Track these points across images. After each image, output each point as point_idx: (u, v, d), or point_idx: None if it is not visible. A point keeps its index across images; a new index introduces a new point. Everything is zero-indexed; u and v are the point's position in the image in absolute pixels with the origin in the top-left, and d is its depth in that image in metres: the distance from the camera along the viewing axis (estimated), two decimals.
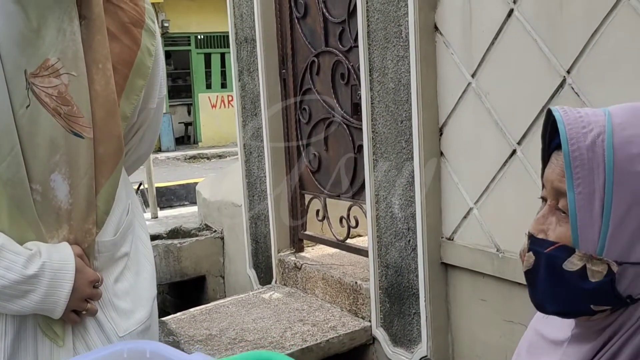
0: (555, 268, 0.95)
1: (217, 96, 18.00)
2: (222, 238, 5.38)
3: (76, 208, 1.31)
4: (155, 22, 1.44)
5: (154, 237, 5.60)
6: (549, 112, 1.01)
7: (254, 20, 4.30)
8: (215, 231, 5.47)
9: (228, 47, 18.39)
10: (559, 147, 0.98)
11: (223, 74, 18.11)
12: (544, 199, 1.03)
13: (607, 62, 2.39)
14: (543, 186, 1.02)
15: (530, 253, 1.00)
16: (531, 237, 1.01)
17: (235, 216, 5.09)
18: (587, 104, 2.47)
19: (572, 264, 0.93)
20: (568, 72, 2.52)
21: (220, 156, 16.67)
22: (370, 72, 3.34)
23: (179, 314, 4.05)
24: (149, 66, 1.41)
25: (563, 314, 1.01)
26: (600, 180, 0.90)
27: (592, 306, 0.94)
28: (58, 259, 1.28)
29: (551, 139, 1.02)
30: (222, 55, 17.88)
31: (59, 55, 1.22)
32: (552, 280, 0.96)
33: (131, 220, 1.51)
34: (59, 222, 1.31)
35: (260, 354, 0.81)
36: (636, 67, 2.30)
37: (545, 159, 1.03)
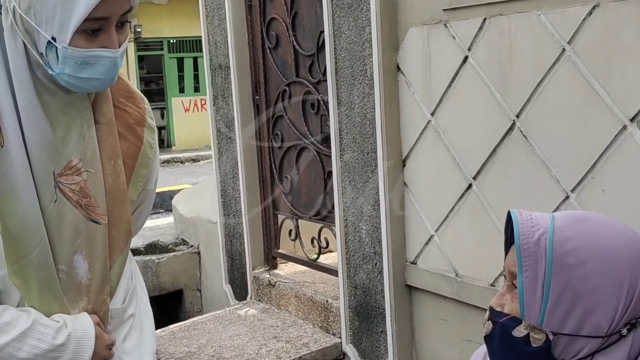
0: (507, 334, 1.24)
1: (190, 100, 18.12)
2: (199, 253, 5.58)
3: (94, 282, 1.54)
4: (153, 118, 1.69)
5: (132, 252, 5.77)
6: (509, 214, 1.30)
7: (227, 49, 4.50)
8: (191, 246, 5.66)
9: (200, 51, 18.41)
10: (511, 243, 1.29)
11: (196, 78, 18.23)
12: (505, 277, 1.32)
13: (551, 110, 2.63)
14: (504, 269, 1.32)
15: (489, 322, 1.29)
16: (491, 310, 1.30)
17: (211, 233, 5.29)
18: (534, 146, 2.71)
19: (519, 331, 1.21)
20: (517, 116, 2.77)
21: (194, 160, 16.81)
22: (338, 105, 3.56)
23: (158, 331, 4.24)
24: (150, 157, 1.65)
25: None
26: (542, 269, 1.18)
27: None
28: (81, 328, 1.51)
29: (510, 233, 1.31)
30: (195, 59, 18.00)
31: (79, 157, 1.45)
32: (505, 344, 1.25)
33: (134, 286, 1.75)
34: (80, 295, 1.53)
35: None
36: (576, 115, 2.55)
37: (507, 249, 1.34)
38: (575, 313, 1.17)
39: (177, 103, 18.02)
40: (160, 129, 18.61)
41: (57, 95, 1.41)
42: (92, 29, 1.33)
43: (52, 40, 1.32)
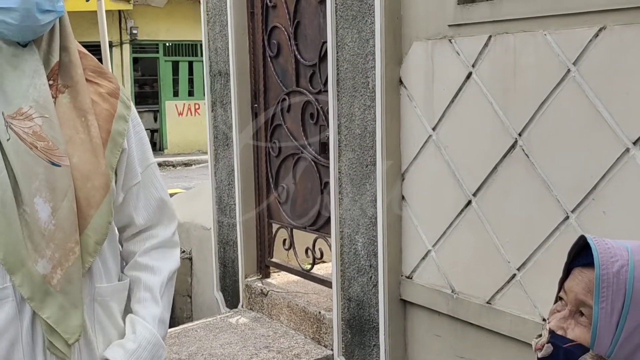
0: None
1: (184, 104, 18.08)
2: (191, 259, 5.55)
3: (59, 228, 1.56)
4: (132, 105, 1.76)
5: None
6: (581, 237, 1.27)
7: (228, 55, 4.49)
8: (183, 251, 5.63)
9: (196, 55, 18.42)
10: (582, 265, 1.25)
11: (190, 82, 18.20)
12: (561, 299, 1.30)
13: (554, 130, 2.63)
14: (562, 290, 1.30)
15: (550, 344, 1.26)
16: (552, 333, 1.27)
17: (204, 239, 5.27)
18: (535, 165, 2.71)
19: None
20: (520, 134, 2.77)
21: (186, 164, 16.76)
22: (338, 116, 3.56)
23: None
24: (125, 129, 1.70)
25: None
26: (619, 302, 1.17)
27: None
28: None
29: (575, 256, 1.29)
30: (190, 63, 17.98)
31: (30, 104, 1.54)
32: None
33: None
34: (45, 241, 1.55)
35: None
36: (579, 136, 2.55)
37: (566, 271, 1.30)
38: None
39: (170, 106, 17.98)
40: (152, 132, 18.58)
41: (2, 50, 1.52)
42: None
43: None
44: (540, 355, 1.28)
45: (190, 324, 4.49)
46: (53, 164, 1.53)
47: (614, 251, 1.21)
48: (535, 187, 2.73)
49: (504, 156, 2.84)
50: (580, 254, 1.27)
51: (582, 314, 1.24)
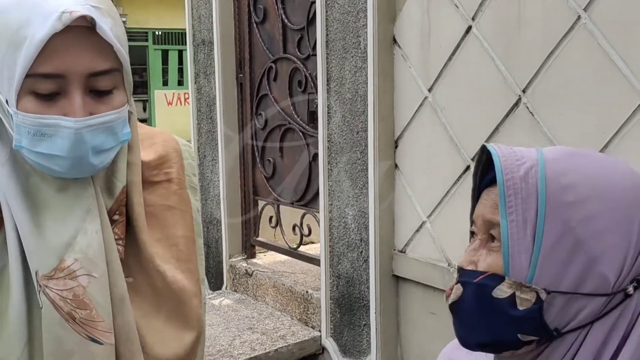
0: (484, 297, 0.96)
1: (174, 93, 17.83)
2: None
3: None
4: (196, 175, 1.33)
5: None
6: (483, 149, 1.03)
7: (212, 23, 4.25)
8: None
9: (186, 44, 18.24)
10: (489, 184, 1.01)
11: (180, 71, 17.93)
12: (472, 234, 1.04)
13: (562, 84, 2.41)
14: (472, 223, 1.03)
15: (458, 285, 1.00)
16: (460, 270, 1.01)
17: None
18: (540, 123, 2.49)
19: (502, 291, 0.94)
20: (523, 91, 2.54)
21: None
22: (327, 81, 3.32)
23: None
24: (200, 223, 1.30)
25: (488, 346, 0.99)
26: (532, 210, 0.92)
27: (519, 335, 0.94)
28: None
29: (482, 177, 1.04)
30: (180, 52, 17.70)
31: (77, 256, 1.09)
32: (480, 310, 0.97)
33: None
34: None
35: None
36: (590, 89, 2.33)
37: (475, 197, 1.05)
38: (575, 263, 0.91)
39: (160, 96, 17.71)
40: (142, 121, 18.26)
41: (47, 179, 1.09)
42: (47, 92, 1.02)
43: (5, 103, 1.03)
44: (450, 301, 1.01)
45: None
46: (93, 340, 1.11)
47: (521, 154, 0.97)
48: (540, 146, 2.50)
49: (507, 115, 2.61)
50: (488, 172, 1.02)
51: (493, 238, 0.98)
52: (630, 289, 0.92)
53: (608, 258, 0.91)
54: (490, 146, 0.99)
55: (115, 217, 1.14)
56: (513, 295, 0.93)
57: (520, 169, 0.94)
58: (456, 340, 1.07)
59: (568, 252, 0.91)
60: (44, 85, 1.01)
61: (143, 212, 1.18)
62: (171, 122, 17.54)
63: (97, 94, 1.05)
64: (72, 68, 1.01)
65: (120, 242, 1.14)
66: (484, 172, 1.03)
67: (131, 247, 1.16)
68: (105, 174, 1.14)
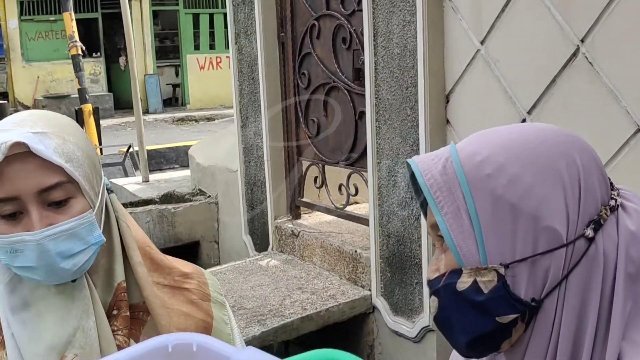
0: (453, 295, 0.96)
1: (206, 57, 17.81)
2: (217, 203, 5.32)
3: None
4: (226, 302, 1.42)
5: (146, 202, 5.54)
6: (406, 165, 1.04)
7: None
8: (209, 196, 5.40)
9: (217, 7, 18.14)
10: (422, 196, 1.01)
11: (211, 35, 17.90)
12: (434, 246, 1.03)
13: (624, 32, 2.33)
14: (428, 233, 1.03)
15: (432, 297, 1.00)
16: (428, 282, 1.01)
17: (230, 182, 5.03)
18: (600, 74, 2.42)
19: (463, 282, 0.94)
20: (582, 41, 2.46)
21: (208, 119, 16.56)
22: (374, 37, 3.26)
23: None
24: (229, 333, 1.38)
25: (477, 343, 0.97)
26: (460, 196, 0.94)
27: (497, 319, 0.93)
28: None
29: (420, 190, 1.02)
30: (211, 15, 17.66)
31: (76, 351, 1.20)
32: (456, 310, 0.96)
33: None
34: None
35: (325, 353, 0.76)
36: None
37: (424, 210, 1.05)
38: (520, 228, 0.91)
39: (192, 60, 17.72)
40: (174, 86, 18.37)
41: (48, 287, 1.22)
42: (9, 213, 1.15)
43: None
44: (433, 317, 1.00)
45: (218, 267, 4.28)
46: None
47: (435, 153, 1.00)
48: (601, 98, 2.43)
49: (564, 66, 2.54)
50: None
51: (442, 238, 0.97)
52: (589, 232, 0.91)
53: (547, 210, 0.90)
54: (410, 159, 1.01)
55: (114, 311, 1.25)
56: (475, 282, 0.93)
57: (437, 165, 0.96)
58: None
59: (509, 221, 0.91)
60: (4, 208, 1.14)
61: (156, 301, 1.29)
62: (204, 87, 17.58)
63: (55, 205, 1.16)
64: (22, 189, 1.13)
65: (120, 332, 1.25)
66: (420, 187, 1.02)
67: (149, 336, 1.24)
68: (104, 274, 1.26)
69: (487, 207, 0.92)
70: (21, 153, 1.12)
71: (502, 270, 0.91)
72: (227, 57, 18.23)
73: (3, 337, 1.22)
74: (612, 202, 0.94)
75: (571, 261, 0.91)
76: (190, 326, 1.32)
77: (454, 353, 1.16)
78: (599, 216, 0.92)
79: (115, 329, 1.24)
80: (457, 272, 0.94)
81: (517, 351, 0.97)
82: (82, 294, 1.23)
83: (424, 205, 1.04)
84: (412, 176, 1.03)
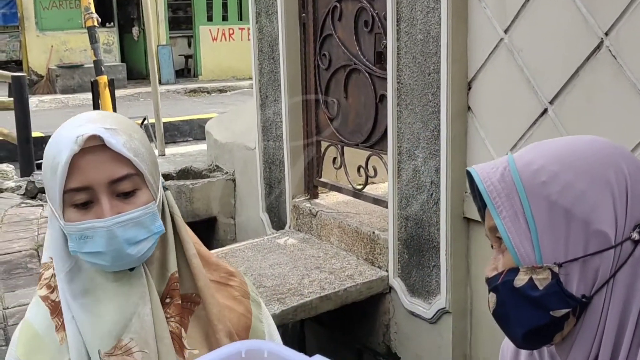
0: (511, 291, 1.06)
1: (219, 29, 17.74)
2: (234, 180, 5.38)
3: None
4: (261, 302, 1.51)
5: (163, 177, 5.59)
6: (467, 173, 1.14)
7: None
8: (226, 173, 5.46)
9: None
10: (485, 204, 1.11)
11: (224, 7, 17.80)
12: (492, 247, 1.14)
13: None
14: (487, 237, 1.15)
15: (491, 293, 1.10)
16: (487, 280, 1.12)
17: (248, 159, 5.09)
18: (624, 67, 2.45)
19: (520, 279, 1.04)
20: (606, 34, 2.49)
21: (220, 90, 16.54)
22: (397, 22, 3.29)
23: None
24: (263, 331, 1.47)
25: (533, 334, 1.07)
26: (517, 201, 1.04)
27: (551, 313, 1.03)
28: None
29: (479, 196, 1.13)
30: None
31: (132, 336, 1.29)
32: (514, 305, 1.07)
33: None
34: None
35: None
36: None
37: (483, 215, 1.16)
38: (573, 231, 1.01)
39: (204, 32, 17.66)
40: (187, 57, 18.34)
41: (106, 275, 1.31)
42: (81, 202, 1.25)
43: (57, 217, 1.27)
44: (491, 312, 1.11)
45: (237, 244, 4.35)
46: None
47: (494, 163, 1.11)
48: (624, 91, 2.47)
49: (587, 58, 2.57)
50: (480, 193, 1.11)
51: (500, 240, 1.09)
52: (635, 235, 1.01)
53: (598, 215, 1.00)
54: (470, 168, 1.12)
55: (167, 300, 1.34)
56: (531, 280, 1.03)
57: (495, 173, 1.07)
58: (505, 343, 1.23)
59: (562, 224, 1.02)
60: (77, 197, 1.24)
61: (211, 297, 1.38)
62: (216, 58, 17.55)
63: (123, 195, 1.26)
64: (95, 179, 1.23)
65: (172, 319, 1.34)
66: (479, 194, 1.12)
67: (198, 324, 1.37)
68: (158, 264, 1.35)
69: (542, 211, 1.02)
70: (94, 146, 1.22)
71: (556, 269, 1.02)
72: (240, 28, 18.28)
73: (63, 320, 1.30)
74: None
75: (618, 261, 1.01)
76: (234, 319, 1.42)
77: (504, 346, 1.27)
78: None
79: (168, 316, 1.33)
80: (514, 271, 1.05)
81: (566, 344, 1.07)
82: (140, 282, 1.32)
83: (481, 210, 1.15)
84: (471, 183, 1.13)
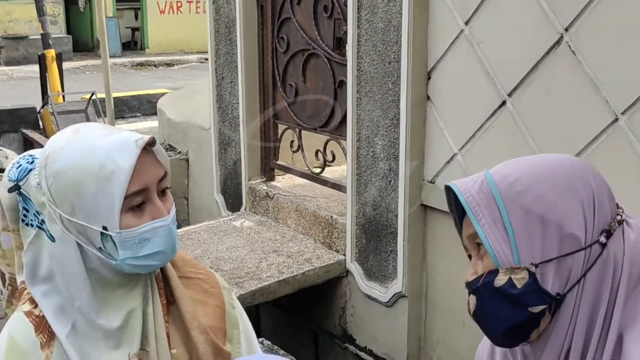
0: (491, 291, 1.16)
1: (166, 1, 17.48)
2: (187, 160, 5.35)
3: None
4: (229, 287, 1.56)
5: None
6: (446, 188, 1.23)
7: None
8: (179, 152, 5.43)
9: None
10: (463, 214, 1.20)
11: None
12: (470, 257, 1.23)
13: (608, 23, 2.42)
14: (466, 249, 1.24)
15: (471, 296, 1.19)
16: (467, 284, 1.20)
17: (202, 139, 5.06)
18: (582, 63, 2.51)
19: (500, 280, 1.14)
20: (566, 29, 2.55)
21: (168, 64, 16.34)
22: (358, 9, 3.31)
23: None
24: (236, 316, 1.52)
25: (512, 331, 1.16)
26: (495, 210, 1.14)
27: (529, 309, 1.12)
28: None
29: (457, 210, 1.23)
30: None
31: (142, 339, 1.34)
32: (494, 304, 1.16)
33: None
34: None
35: None
36: (639, 27, 2.34)
37: (460, 228, 1.25)
38: (548, 234, 1.12)
39: (152, 4, 17.38)
40: (133, 30, 18.02)
41: (117, 290, 1.34)
42: (137, 204, 1.28)
43: (104, 230, 1.27)
44: (471, 311, 1.20)
45: (192, 226, 4.34)
46: None
47: (471, 178, 1.20)
48: (582, 86, 2.54)
49: (547, 53, 2.63)
50: (459, 205, 1.22)
51: (480, 245, 1.18)
52: (602, 239, 1.12)
53: (569, 221, 1.11)
54: (449, 183, 1.21)
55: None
56: (510, 279, 1.13)
57: (474, 186, 1.16)
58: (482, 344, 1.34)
59: (538, 229, 1.12)
60: (135, 200, 1.27)
61: (183, 295, 1.42)
62: (164, 32, 17.30)
63: (162, 193, 1.33)
64: (149, 180, 1.28)
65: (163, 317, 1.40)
66: (457, 207, 1.23)
67: (174, 323, 1.41)
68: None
69: (518, 218, 1.12)
70: (144, 149, 1.27)
71: (532, 269, 1.12)
72: (189, 1, 18.03)
73: (48, 337, 1.32)
74: (619, 217, 1.15)
75: (588, 262, 1.12)
76: (209, 313, 1.46)
77: (479, 350, 1.36)
78: (610, 227, 1.13)
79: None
80: (494, 272, 1.14)
81: (541, 340, 1.16)
82: (146, 283, 1.38)
83: (457, 223, 1.24)
84: (449, 197, 1.22)
